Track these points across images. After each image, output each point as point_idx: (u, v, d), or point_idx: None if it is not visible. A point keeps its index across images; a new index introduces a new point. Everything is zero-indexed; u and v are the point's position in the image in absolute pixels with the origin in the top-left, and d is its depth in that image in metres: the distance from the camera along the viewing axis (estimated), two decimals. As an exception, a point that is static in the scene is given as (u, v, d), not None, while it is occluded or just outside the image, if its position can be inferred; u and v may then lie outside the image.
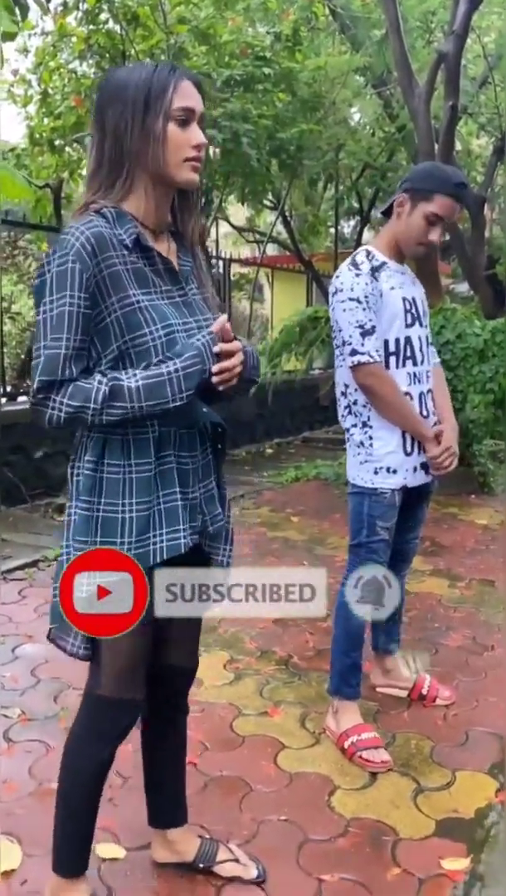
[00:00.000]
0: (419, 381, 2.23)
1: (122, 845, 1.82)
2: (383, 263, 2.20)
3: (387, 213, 2.28)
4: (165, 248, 1.46)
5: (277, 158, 7.23)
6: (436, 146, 5.70)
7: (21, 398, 6.27)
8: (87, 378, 1.33)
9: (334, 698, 2.33)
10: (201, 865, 1.71)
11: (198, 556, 1.49)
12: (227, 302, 9.29)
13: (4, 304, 6.80)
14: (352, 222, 12.61)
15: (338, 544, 4.33)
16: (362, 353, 2.11)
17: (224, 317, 1.41)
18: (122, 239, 1.35)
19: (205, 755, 2.20)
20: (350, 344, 2.13)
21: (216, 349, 1.37)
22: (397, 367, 2.19)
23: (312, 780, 2.11)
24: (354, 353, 2.12)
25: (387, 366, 2.17)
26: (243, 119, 6.18)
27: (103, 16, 6.05)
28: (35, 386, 1.32)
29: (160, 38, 5.94)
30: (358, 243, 10.24)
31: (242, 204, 8.64)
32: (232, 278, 9.67)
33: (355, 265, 2.18)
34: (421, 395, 2.23)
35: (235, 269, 10.06)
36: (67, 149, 6.80)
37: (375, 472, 2.20)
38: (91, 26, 6.06)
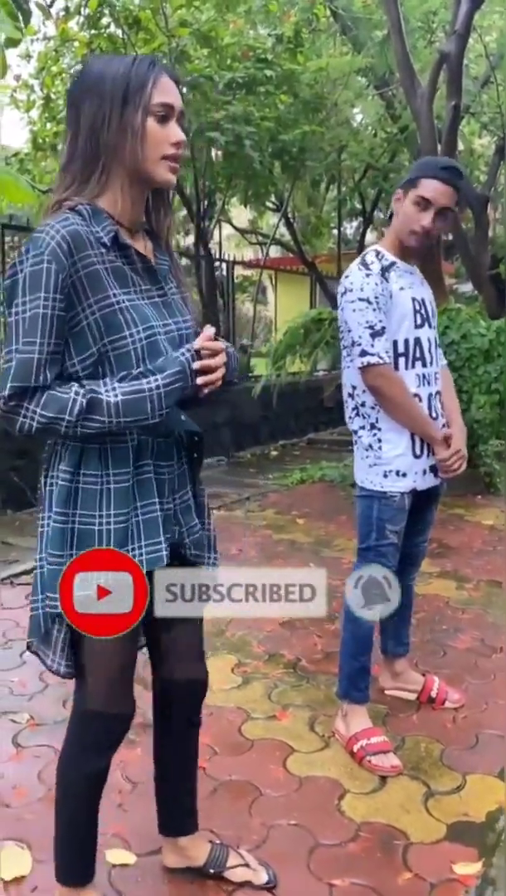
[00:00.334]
0: (428, 383, 2.22)
1: (133, 851, 1.81)
2: (393, 263, 2.20)
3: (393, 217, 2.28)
4: (142, 246, 1.41)
5: (279, 160, 7.23)
6: (439, 146, 5.69)
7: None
8: (63, 386, 1.27)
9: (343, 702, 2.32)
10: (212, 871, 1.70)
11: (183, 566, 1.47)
12: (230, 304, 9.30)
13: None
14: (355, 223, 12.60)
15: (344, 546, 4.32)
16: (372, 354, 2.11)
17: (211, 330, 1.38)
18: (99, 237, 1.30)
19: (214, 759, 2.20)
20: (360, 345, 2.12)
21: (196, 365, 1.34)
22: (407, 368, 2.18)
23: (322, 784, 2.11)
24: (363, 353, 2.12)
25: (396, 367, 2.16)
26: (246, 121, 6.19)
27: (105, 20, 6.08)
28: (6, 392, 1.25)
29: (162, 41, 5.95)
30: (361, 244, 10.23)
31: (245, 206, 8.65)
32: (235, 280, 9.67)
33: (365, 265, 2.17)
34: (430, 396, 2.23)
35: (239, 271, 10.07)
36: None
37: (385, 476, 2.19)
38: (93, 31, 6.08)
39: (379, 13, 7.13)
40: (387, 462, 2.19)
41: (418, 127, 5.94)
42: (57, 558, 1.33)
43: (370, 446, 2.22)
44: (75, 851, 1.54)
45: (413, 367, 2.19)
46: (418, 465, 2.20)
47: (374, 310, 2.11)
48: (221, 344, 1.39)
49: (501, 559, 4.16)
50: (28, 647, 1.45)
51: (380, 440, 2.20)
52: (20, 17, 2.21)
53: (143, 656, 1.59)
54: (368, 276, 2.14)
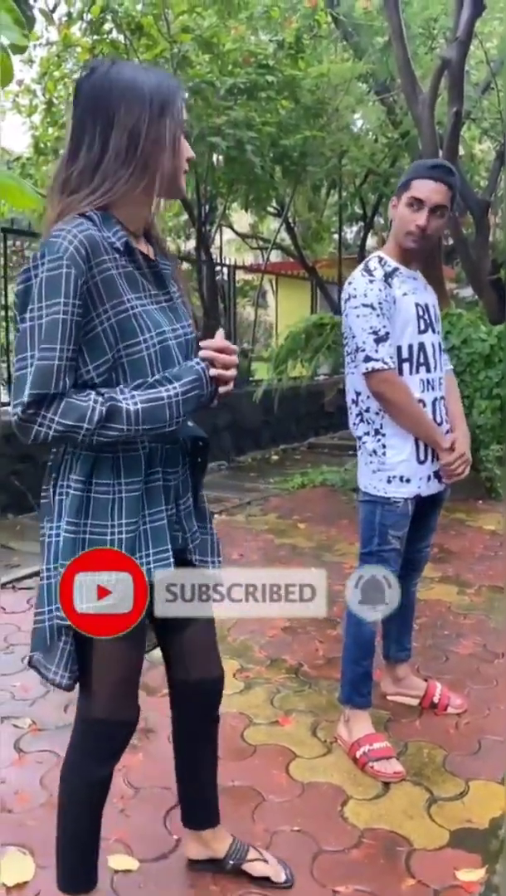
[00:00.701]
0: (432, 388, 2.22)
1: (135, 856, 1.81)
2: (396, 269, 2.20)
3: None
4: (146, 250, 1.42)
5: (280, 165, 7.25)
6: (440, 152, 5.71)
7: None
8: (80, 394, 1.26)
9: (346, 707, 2.32)
10: (232, 862, 1.71)
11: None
12: (231, 308, 9.31)
13: (10, 313, 6.82)
14: (355, 228, 12.63)
15: (346, 551, 4.32)
16: (376, 360, 2.11)
17: (222, 335, 1.39)
18: (112, 242, 1.30)
19: (216, 765, 2.19)
20: (364, 350, 2.12)
21: (213, 373, 1.35)
22: (411, 373, 2.18)
23: (325, 789, 2.10)
24: (367, 359, 2.12)
25: (400, 372, 2.17)
26: (247, 126, 6.21)
27: (107, 26, 6.10)
28: (24, 400, 1.22)
29: (164, 47, 5.98)
30: (362, 249, 10.25)
31: (246, 211, 8.66)
32: (236, 285, 9.69)
33: (369, 271, 2.18)
34: (434, 401, 2.23)
35: (240, 275, 10.08)
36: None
37: (389, 482, 2.19)
38: (95, 36, 6.11)
39: (380, 20, 7.16)
40: (391, 468, 2.19)
41: (419, 133, 5.96)
42: None
43: (374, 452, 2.22)
44: (78, 859, 1.53)
45: (417, 372, 2.19)
46: (422, 471, 2.20)
47: (377, 315, 2.12)
48: (235, 349, 1.40)
49: (502, 564, 4.16)
50: (29, 662, 1.43)
51: (384, 446, 2.20)
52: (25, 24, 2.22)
53: (145, 661, 1.59)
54: (371, 281, 2.15)
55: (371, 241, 10.97)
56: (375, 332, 2.11)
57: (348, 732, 2.28)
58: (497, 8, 7.84)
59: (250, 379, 8.07)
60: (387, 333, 2.12)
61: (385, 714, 2.49)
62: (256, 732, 2.39)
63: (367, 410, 2.23)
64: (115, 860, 1.77)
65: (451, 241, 7.17)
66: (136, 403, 1.27)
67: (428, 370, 2.21)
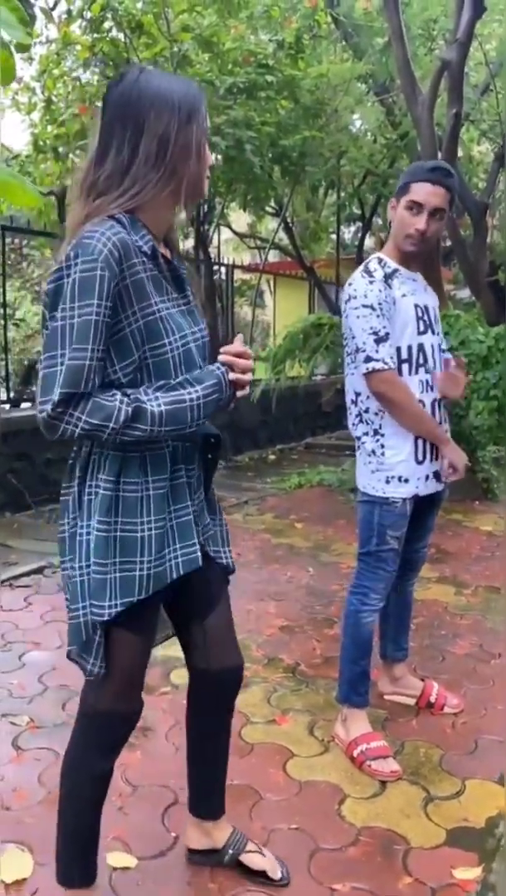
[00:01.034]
0: (432, 389, 2.23)
1: (133, 854, 1.81)
2: (396, 270, 2.21)
3: None
4: (166, 254, 1.46)
5: (279, 165, 7.25)
6: (439, 153, 5.72)
7: (25, 405, 6.28)
8: (106, 394, 1.29)
9: (343, 706, 2.33)
10: (231, 852, 1.73)
11: (204, 561, 1.50)
12: (229, 308, 9.31)
13: (8, 311, 6.81)
14: (353, 228, 12.64)
15: (343, 550, 4.33)
16: (377, 360, 2.12)
17: (241, 341, 1.45)
18: (139, 246, 1.34)
19: (214, 763, 2.20)
20: (364, 351, 2.13)
21: (232, 377, 1.41)
22: (410, 374, 2.19)
23: (322, 788, 2.11)
24: (368, 359, 2.13)
25: (400, 373, 2.17)
26: (246, 126, 6.21)
27: (107, 24, 6.09)
28: (54, 398, 1.25)
29: (164, 45, 5.97)
30: (360, 249, 10.27)
31: (245, 210, 8.66)
32: (234, 284, 9.69)
33: (368, 272, 2.19)
34: (434, 402, 2.24)
35: (238, 275, 10.08)
36: (71, 156, 6.83)
37: (387, 482, 2.20)
38: (95, 34, 6.09)
39: (380, 20, 7.17)
40: (389, 468, 2.20)
41: (418, 134, 5.97)
42: (101, 566, 1.36)
43: (373, 452, 2.23)
44: (78, 853, 1.55)
45: (416, 373, 2.20)
46: (420, 471, 2.21)
47: (378, 316, 2.12)
48: (251, 354, 1.46)
49: (499, 565, 4.18)
50: (68, 655, 1.47)
51: (383, 446, 2.21)
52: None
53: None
54: (371, 282, 2.16)
55: (369, 241, 10.98)
56: (375, 333, 2.12)
57: (346, 731, 2.29)
58: (497, 10, 7.86)
59: (248, 378, 8.06)
60: (387, 334, 2.13)
61: (382, 713, 2.50)
62: (253, 731, 2.40)
63: (366, 411, 2.23)
64: (113, 858, 1.78)
65: (449, 243, 7.19)
66: (159, 405, 1.31)
67: (427, 371, 2.22)
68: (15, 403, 6.20)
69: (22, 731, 2.37)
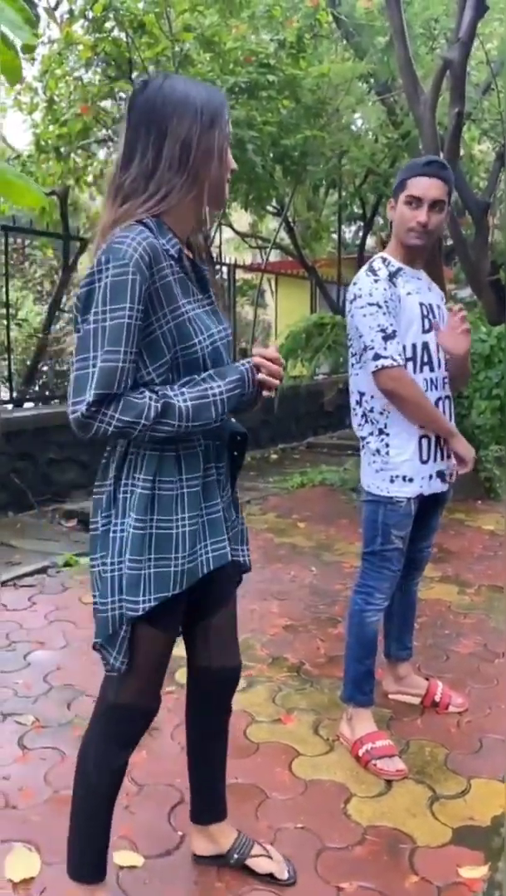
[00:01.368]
0: (436, 388, 2.23)
1: (140, 853, 1.82)
2: (400, 269, 2.22)
3: None
4: (190, 256, 1.50)
5: (281, 165, 7.24)
6: (441, 153, 5.71)
7: (27, 405, 6.28)
8: (136, 392, 1.33)
9: (348, 705, 2.33)
10: (236, 856, 1.73)
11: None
12: (231, 307, 9.31)
13: (10, 311, 6.81)
14: (354, 228, 12.63)
15: (345, 550, 4.33)
16: (386, 357, 2.12)
17: (275, 348, 1.49)
18: (166, 249, 1.37)
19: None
20: (372, 348, 2.13)
21: (259, 377, 1.44)
22: (415, 372, 2.19)
23: (328, 787, 2.11)
24: (376, 357, 2.13)
25: None
26: (248, 126, 6.20)
27: (109, 24, 6.08)
28: (88, 398, 1.29)
29: (166, 45, 5.97)
30: (361, 249, 10.25)
31: (246, 210, 8.65)
32: (236, 284, 9.69)
33: (373, 271, 2.19)
34: (439, 400, 2.24)
35: (239, 274, 10.08)
36: (73, 156, 6.84)
37: (391, 481, 2.20)
38: (97, 34, 6.09)
39: (381, 20, 7.16)
40: (394, 467, 2.20)
41: (420, 133, 5.97)
42: (136, 563, 1.39)
43: (377, 451, 2.23)
44: (92, 848, 1.56)
45: (421, 371, 2.20)
46: (424, 471, 2.21)
47: (384, 313, 2.13)
48: (283, 362, 1.50)
49: (501, 564, 4.18)
50: (94, 647, 1.49)
51: (388, 445, 2.21)
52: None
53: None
54: (376, 281, 2.16)
55: (370, 240, 10.96)
56: (382, 330, 2.12)
57: (351, 730, 2.29)
58: (498, 9, 7.85)
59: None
60: (394, 331, 2.13)
61: (387, 712, 2.50)
62: (258, 730, 2.40)
63: (371, 410, 2.24)
64: (120, 856, 1.79)
65: (450, 242, 7.18)
66: (185, 401, 1.35)
67: (432, 370, 2.22)
68: (18, 403, 6.19)
69: (27, 731, 2.38)
